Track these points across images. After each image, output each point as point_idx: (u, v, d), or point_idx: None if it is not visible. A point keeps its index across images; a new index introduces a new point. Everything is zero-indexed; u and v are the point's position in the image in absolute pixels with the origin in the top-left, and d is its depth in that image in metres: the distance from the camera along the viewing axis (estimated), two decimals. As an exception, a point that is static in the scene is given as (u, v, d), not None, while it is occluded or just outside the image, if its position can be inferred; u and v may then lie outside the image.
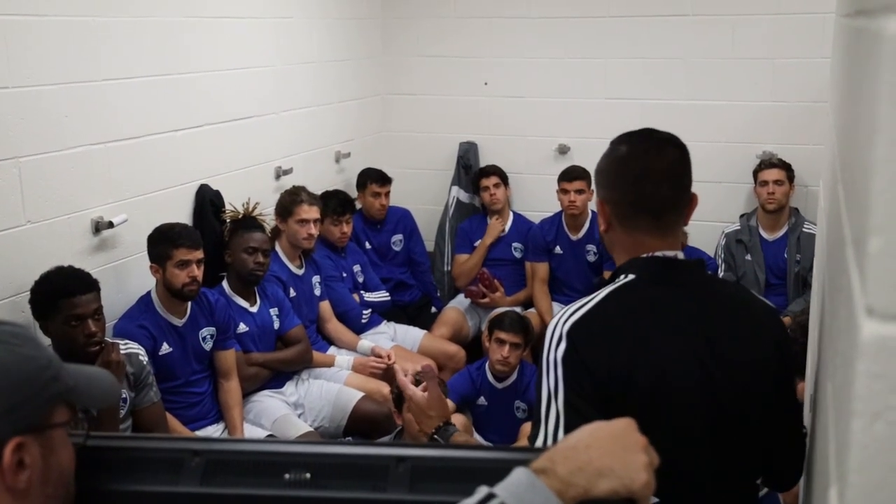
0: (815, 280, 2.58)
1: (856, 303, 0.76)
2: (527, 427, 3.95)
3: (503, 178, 5.13)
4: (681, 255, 1.69)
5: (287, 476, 1.18)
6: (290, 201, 4.10)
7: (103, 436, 1.21)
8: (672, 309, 1.64)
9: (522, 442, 3.79)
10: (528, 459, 1.07)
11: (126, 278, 3.47)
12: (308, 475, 1.18)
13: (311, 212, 4.11)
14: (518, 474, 1.04)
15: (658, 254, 1.66)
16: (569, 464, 1.04)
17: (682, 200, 1.69)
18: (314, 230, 4.14)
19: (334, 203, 4.49)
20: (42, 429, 1.11)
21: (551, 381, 1.57)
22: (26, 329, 1.17)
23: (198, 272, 3.33)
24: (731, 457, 1.65)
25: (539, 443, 1.58)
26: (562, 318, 1.62)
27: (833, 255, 1.27)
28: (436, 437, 1.87)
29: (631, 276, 1.66)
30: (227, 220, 3.85)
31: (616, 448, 1.07)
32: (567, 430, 1.54)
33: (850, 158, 0.98)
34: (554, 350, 1.59)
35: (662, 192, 1.66)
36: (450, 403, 3.62)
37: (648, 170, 1.66)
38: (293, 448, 1.25)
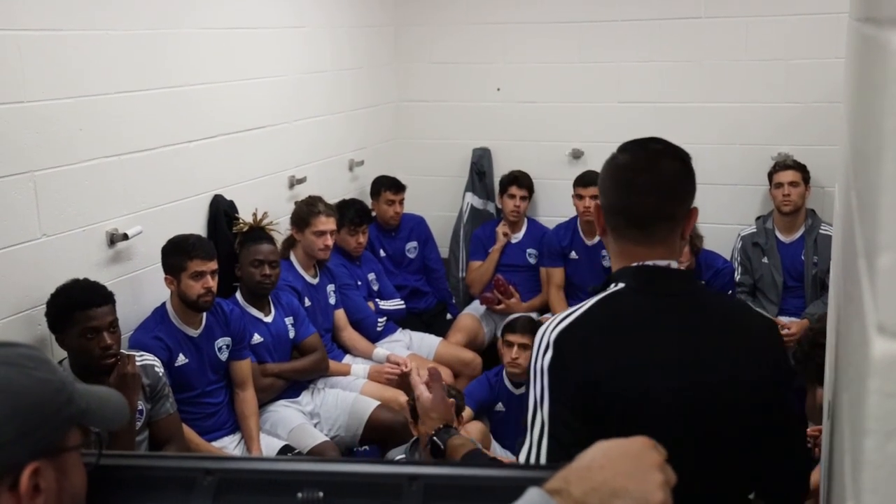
0: (831, 284, 2.55)
1: (867, 318, 0.74)
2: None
3: (531, 192, 5.12)
4: (674, 265, 1.67)
5: (300, 495, 1.17)
6: (308, 212, 4.10)
7: (115, 455, 1.21)
8: (660, 319, 1.62)
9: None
10: (541, 478, 1.06)
11: (141, 290, 3.49)
12: (321, 494, 1.17)
13: (328, 223, 4.11)
14: (531, 495, 1.02)
15: (648, 263, 1.65)
16: (583, 484, 1.03)
17: (674, 213, 1.66)
18: (330, 241, 4.15)
19: (352, 213, 4.49)
20: (57, 452, 1.11)
21: (537, 389, 1.57)
22: (40, 351, 1.18)
23: (212, 283, 3.34)
24: (717, 472, 1.62)
25: (524, 451, 1.57)
26: (550, 326, 1.62)
27: (847, 264, 1.26)
28: (434, 438, 1.87)
29: (620, 285, 1.65)
30: (237, 233, 3.85)
31: (631, 467, 1.05)
32: (551, 440, 1.55)
33: (861, 169, 0.97)
34: (541, 358, 1.58)
35: (651, 205, 1.64)
36: (467, 410, 3.62)
37: (639, 181, 1.65)
38: (306, 466, 1.24)
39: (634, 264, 1.65)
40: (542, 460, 1.54)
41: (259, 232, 3.84)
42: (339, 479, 1.21)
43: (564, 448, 1.53)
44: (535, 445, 1.55)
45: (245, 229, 3.84)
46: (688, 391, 1.58)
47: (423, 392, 1.94)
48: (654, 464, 1.07)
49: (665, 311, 1.63)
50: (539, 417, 1.56)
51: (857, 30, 1.47)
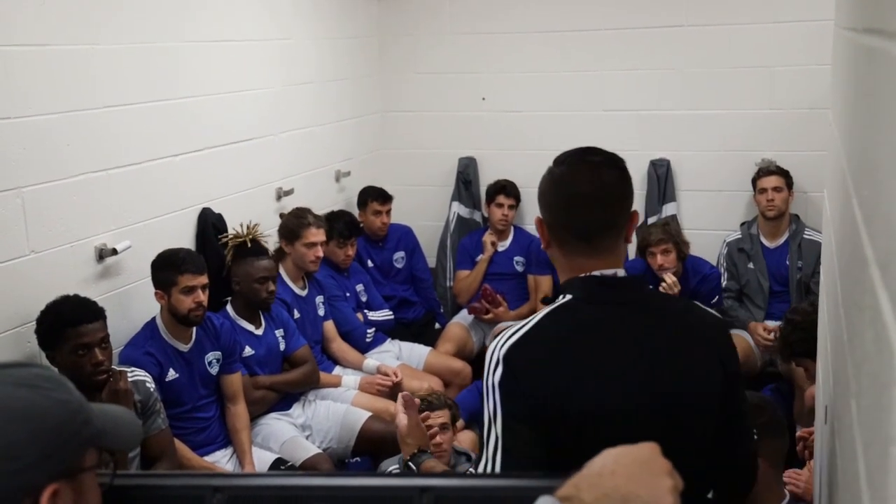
0: (822, 289, 2.58)
1: (889, 328, 0.75)
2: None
3: (518, 201, 5.13)
4: (621, 273, 1.67)
5: (310, 510, 1.17)
6: (297, 224, 4.09)
7: (127, 475, 1.21)
8: (610, 329, 1.63)
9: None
10: (551, 487, 1.06)
11: (131, 305, 3.46)
12: (331, 509, 1.17)
13: (318, 234, 4.11)
14: (543, 503, 1.03)
15: (596, 273, 1.65)
16: (594, 490, 1.04)
17: (615, 222, 1.67)
18: (321, 253, 4.15)
19: (341, 226, 4.49)
20: (75, 474, 1.10)
21: (490, 405, 1.57)
22: (55, 372, 1.17)
23: (203, 297, 3.33)
24: (680, 475, 1.65)
25: (481, 467, 1.58)
26: (500, 341, 1.62)
27: (851, 272, 1.27)
28: (410, 462, 1.96)
29: (569, 297, 1.65)
30: (229, 245, 3.83)
31: (641, 473, 1.07)
32: (506, 454, 1.55)
33: (870, 178, 0.98)
34: (492, 374, 1.58)
35: (593, 216, 1.65)
36: (460, 422, 3.62)
37: (578, 194, 1.65)
38: (315, 481, 1.24)
39: (582, 275, 1.66)
40: None
41: (256, 246, 3.82)
42: (350, 494, 1.21)
43: (519, 462, 1.54)
44: (490, 460, 1.57)
45: (238, 242, 3.82)
46: (642, 398, 1.59)
47: (401, 420, 2.01)
48: (663, 469, 1.08)
49: (614, 320, 1.64)
50: (493, 432, 1.57)
51: (853, 40, 1.49)
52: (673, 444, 1.59)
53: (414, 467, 1.91)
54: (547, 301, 1.70)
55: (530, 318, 1.66)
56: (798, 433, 2.82)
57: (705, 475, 1.70)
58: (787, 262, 4.75)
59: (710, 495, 1.80)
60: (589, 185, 1.65)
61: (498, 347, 1.61)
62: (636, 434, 1.56)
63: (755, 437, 1.83)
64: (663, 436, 1.58)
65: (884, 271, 0.82)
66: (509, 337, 1.62)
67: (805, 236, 4.73)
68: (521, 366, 1.57)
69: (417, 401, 2.13)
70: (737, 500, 1.91)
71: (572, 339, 1.61)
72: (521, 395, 1.55)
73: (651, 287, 1.90)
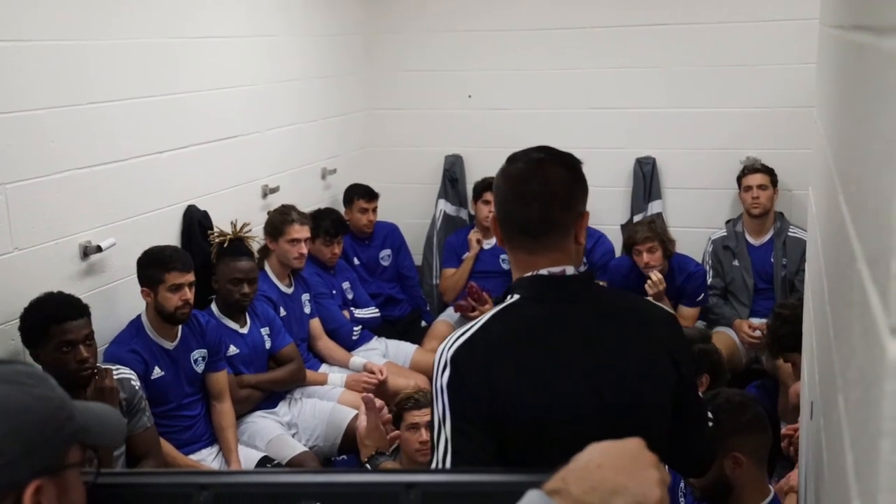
0: (807, 286, 2.59)
1: (878, 322, 0.75)
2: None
3: None
4: (570, 271, 1.67)
5: (298, 507, 1.17)
6: (281, 221, 4.08)
7: (112, 473, 1.20)
8: (557, 327, 1.63)
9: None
10: (539, 481, 1.06)
11: (115, 302, 3.44)
12: (319, 505, 1.17)
13: (302, 231, 4.10)
14: (531, 496, 1.03)
15: (543, 271, 1.66)
16: (582, 483, 1.04)
17: (563, 221, 1.67)
18: (305, 249, 4.13)
19: (327, 224, 4.48)
20: (58, 470, 1.10)
21: (439, 407, 1.58)
22: (37, 368, 1.16)
23: (190, 295, 3.31)
24: None
25: (432, 468, 1.60)
26: (448, 343, 1.63)
27: (838, 268, 1.27)
28: (367, 464, 2.03)
29: (516, 296, 1.66)
30: (214, 243, 3.82)
31: (628, 465, 1.07)
32: (455, 455, 1.56)
33: (859, 176, 0.98)
34: (440, 377, 1.59)
35: (538, 214, 1.65)
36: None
37: (526, 192, 1.66)
38: (302, 478, 1.24)
39: (528, 274, 1.67)
40: None
41: (239, 245, 3.80)
42: (337, 490, 1.21)
43: (468, 462, 1.55)
44: (440, 461, 1.58)
45: (224, 241, 3.80)
46: (590, 397, 1.60)
47: (360, 422, 2.08)
48: (649, 462, 1.09)
49: (562, 318, 1.65)
50: (443, 434, 1.57)
51: (840, 38, 1.49)
52: (624, 436, 1.61)
53: (371, 469, 1.98)
54: (498, 300, 1.70)
55: (478, 319, 1.67)
56: (783, 430, 2.84)
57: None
58: (772, 260, 4.77)
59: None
60: (538, 184, 1.66)
61: (446, 350, 1.61)
62: (585, 433, 1.55)
63: (711, 424, 1.86)
64: (613, 434, 1.59)
65: (872, 267, 0.83)
66: (457, 339, 1.63)
67: (790, 234, 4.76)
68: (467, 367, 1.58)
69: (381, 402, 2.18)
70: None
71: (519, 339, 1.62)
72: (469, 396, 1.56)
73: (601, 284, 1.90)
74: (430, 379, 4.59)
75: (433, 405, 1.60)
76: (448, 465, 1.56)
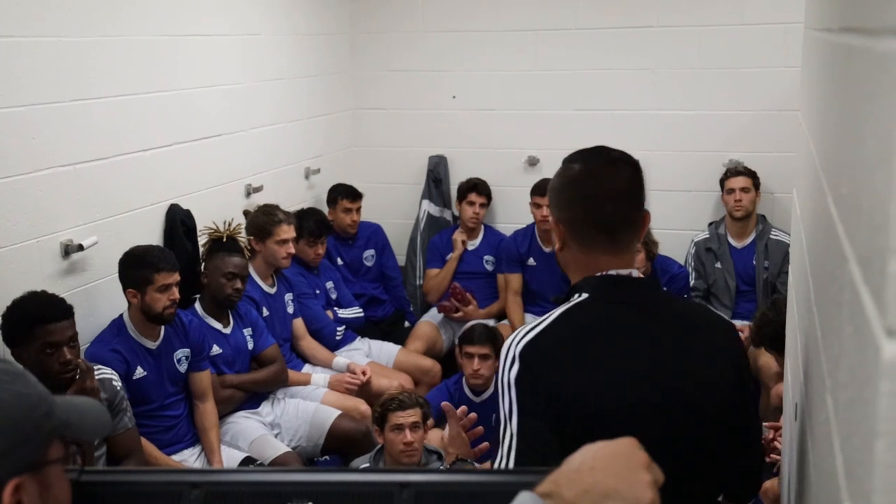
0: (791, 287, 2.61)
1: (871, 323, 0.76)
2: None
3: (489, 199, 5.14)
4: (636, 273, 1.69)
5: (289, 506, 1.16)
6: (268, 222, 4.06)
7: (100, 471, 1.19)
8: (625, 328, 1.64)
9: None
10: (532, 482, 1.07)
11: (97, 302, 3.42)
12: (311, 504, 1.16)
13: (289, 231, 4.09)
14: (523, 498, 1.03)
15: (612, 272, 1.67)
16: (574, 486, 1.04)
17: (636, 218, 1.70)
18: (293, 249, 4.12)
19: (311, 224, 4.46)
20: (39, 467, 1.08)
21: (506, 403, 1.57)
22: (14, 364, 1.15)
23: (177, 295, 3.30)
24: (690, 477, 1.65)
25: (496, 465, 1.59)
26: (515, 338, 1.62)
27: (825, 270, 1.28)
28: None
29: (584, 295, 1.66)
30: (207, 238, 3.80)
31: (620, 468, 1.07)
32: (520, 452, 1.56)
33: (851, 177, 0.99)
34: (507, 372, 1.58)
35: (617, 211, 1.67)
36: (430, 420, 3.61)
37: (603, 189, 1.67)
38: (294, 477, 1.23)
39: (598, 274, 1.67)
40: None
41: (232, 243, 3.79)
42: (330, 489, 1.20)
43: (533, 459, 1.54)
44: (504, 457, 1.57)
45: (216, 236, 3.78)
46: (656, 398, 1.60)
47: (446, 430, 2.05)
48: (642, 464, 1.09)
49: (629, 319, 1.65)
50: (509, 430, 1.56)
51: (827, 41, 1.50)
52: (684, 445, 1.62)
53: None
54: (559, 300, 1.70)
55: (546, 316, 1.66)
56: (764, 425, 2.85)
57: (715, 478, 1.72)
58: (754, 262, 4.80)
59: (720, 499, 1.83)
60: (613, 180, 1.67)
61: (514, 345, 1.60)
62: (649, 434, 1.56)
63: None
64: (675, 437, 1.61)
65: (865, 268, 0.83)
66: (525, 334, 1.61)
67: (772, 236, 4.79)
68: (537, 362, 1.57)
69: (464, 408, 2.13)
70: None
71: (589, 338, 1.62)
72: (538, 391, 1.55)
73: (665, 289, 1.92)
74: (415, 379, 4.60)
75: (499, 401, 1.58)
76: (513, 460, 1.55)
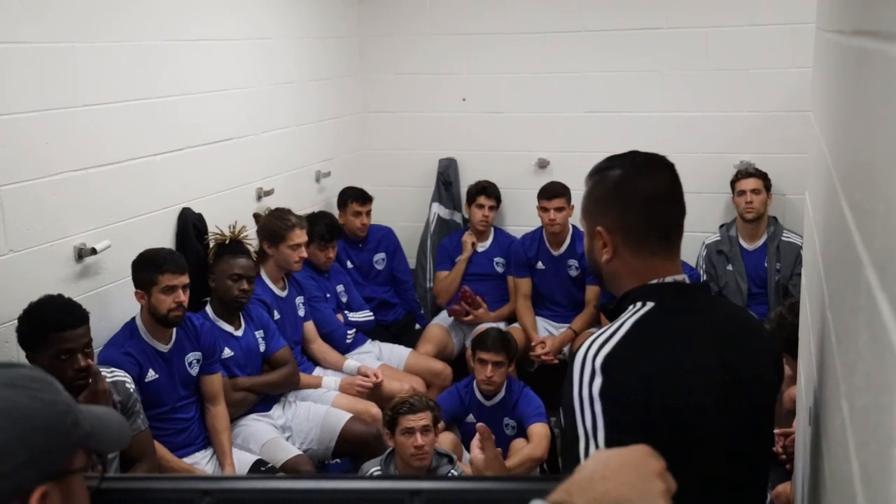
0: (804, 290, 2.59)
1: (889, 330, 0.75)
2: (517, 443, 3.94)
3: (498, 202, 5.13)
4: (686, 279, 1.69)
5: (302, 513, 1.16)
6: (280, 226, 4.06)
7: (115, 478, 1.19)
8: (698, 337, 1.63)
9: (512, 458, 3.78)
10: (543, 490, 1.06)
11: (110, 305, 3.43)
12: (323, 512, 1.16)
13: (302, 235, 4.10)
14: None
15: (668, 279, 1.64)
16: (586, 495, 1.03)
17: (683, 220, 1.70)
18: (305, 253, 4.13)
19: (322, 228, 4.46)
20: (63, 475, 1.08)
21: (587, 419, 1.49)
22: (42, 371, 1.15)
23: (183, 297, 3.30)
24: (750, 473, 1.67)
25: None
26: (590, 352, 1.55)
27: (840, 274, 1.27)
28: None
29: (649, 304, 1.61)
30: (212, 243, 3.81)
31: (632, 477, 1.06)
32: None
33: (865, 181, 0.99)
34: (588, 386, 1.51)
35: (671, 211, 1.66)
36: (441, 424, 3.62)
37: (654, 191, 1.65)
38: (304, 484, 1.23)
39: (655, 281, 1.63)
40: None
41: (237, 245, 3.80)
42: (341, 497, 1.20)
43: None
44: None
45: (223, 240, 3.79)
46: (726, 403, 1.59)
47: (475, 457, 1.93)
48: (654, 472, 1.08)
49: (700, 327, 1.64)
50: (593, 447, 1.48)
51: (840, 42, 1.49)
52: (745, 444, 1.64)
53: None
54: (604, 308, 1.68)
55: (615, 327, 1.59)
56: (776, 432, 2.84)
57: (766, 469, 1.75)
58: (766, 265, 4.78)
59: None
60: (660, 182, 1.66)
61: (590, 358, 1.53)
62: (719, 443, 1.58)
63: None
64: (752, 448, 1.62)
65: (881, 273, 0.83)
66: (601, 346, 1.55)
67: (783, 238, 4.77)
68: (622, 374, 1.51)
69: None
70: None
71: (664, 347, 1.58)
72: (627, 404, 1.49)
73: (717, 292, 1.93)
74: (426, 382, 4.60)
75: (577, 417, 1.51)
76: None
